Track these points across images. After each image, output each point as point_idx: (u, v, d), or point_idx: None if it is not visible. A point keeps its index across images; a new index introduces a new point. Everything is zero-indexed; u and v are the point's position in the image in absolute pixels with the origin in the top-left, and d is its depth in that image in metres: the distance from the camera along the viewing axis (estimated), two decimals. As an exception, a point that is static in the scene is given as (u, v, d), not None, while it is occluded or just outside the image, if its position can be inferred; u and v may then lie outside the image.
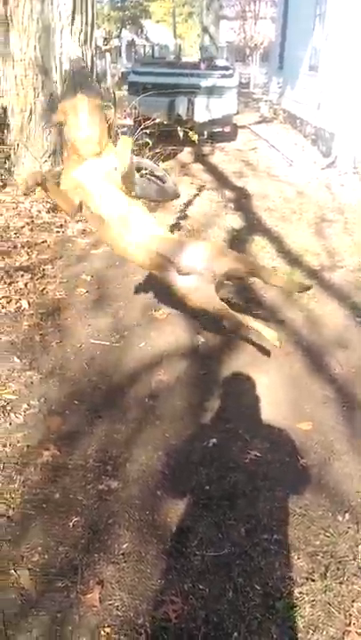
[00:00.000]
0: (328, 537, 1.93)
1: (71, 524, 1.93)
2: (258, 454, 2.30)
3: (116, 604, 1.68)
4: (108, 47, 12.90)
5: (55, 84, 4.92)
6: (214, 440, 2.37)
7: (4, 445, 2.26)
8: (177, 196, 5.91)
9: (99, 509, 1.99)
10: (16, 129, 5.06)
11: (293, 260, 4.42)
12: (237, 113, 10.06)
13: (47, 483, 2.09)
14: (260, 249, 4.61)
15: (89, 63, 5.04)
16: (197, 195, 6.02)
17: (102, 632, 1.60)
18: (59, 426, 2.40)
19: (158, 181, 5.92)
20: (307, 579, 1.78)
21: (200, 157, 8.16)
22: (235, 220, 5.38)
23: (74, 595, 1.70)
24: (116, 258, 4.21)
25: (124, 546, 1.87)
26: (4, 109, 5.04)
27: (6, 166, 5.14)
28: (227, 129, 9.42)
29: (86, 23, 4.90)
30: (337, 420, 2.56)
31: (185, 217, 5.37)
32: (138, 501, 2.04)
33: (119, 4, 25.37)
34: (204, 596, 1.71)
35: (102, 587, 1.73)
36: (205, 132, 8.80)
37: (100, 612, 1.66)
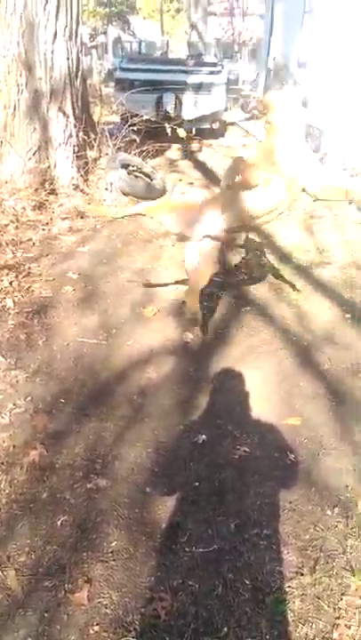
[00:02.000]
0: (317, 531, 1.93)
1: (59, 523, 1.91)
2: (247, 450, 2.30)
3: (104, 603, 1.67)
4: (94, 43, 12.82)
5: (40, 81, 4.87)
6: (204, 436, 2.36)
7: (-10, 445, 2.23)
8: (165, 192, 5.92)
9: (87, 508, 1.98)
10: (0, 126, 5.00)
11: (283, 256, 4.42)
12: (226, 109, 10.05)
13: (34, 482, 2.07)
14: (250, 246, 4.60)
15: (74, 60, 5.00)
16: (186, 192, 5.99)
17: (91, 630, 1.59)
18: (45, 425, 2.37)
19: (146, 178, 5.92)
20: (296, 573, 1.78)
21: (188, 154, 8.13)
22: (223, 217, 5.36)
23: (62, 594, 1.69)
24: (104, 256, 4.19)
25: (113, 544, 1.86)
26: (-11, 106, 4.97)
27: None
28: (215, 125, 9.39)
29: (71, 19, 4.85)
30: (326, 415, 2.57)
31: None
32: (127, 499, 2.03)
33: (105, 0, 25.17)
34: (194, 591, 1.71)
35: (91, 585, 1.72)
36: (194, 129, 8.77)
37: (88, 610, 1.65)
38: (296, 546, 1.87)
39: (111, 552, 1.83)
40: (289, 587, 1.73)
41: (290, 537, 1.91)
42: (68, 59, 4.90)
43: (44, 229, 4.54)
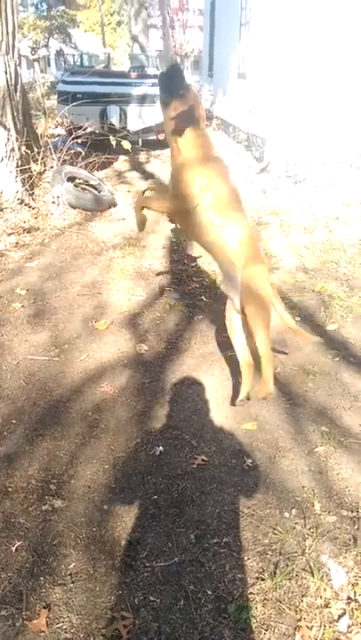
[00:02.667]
0: (276, 534, 1.95)
1: (14, 548, 1.85)
2: (205, 459, 2.30)
3: (64, 627, 1.62)
4: (36, 56, 12.68)
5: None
6: (161, 448, 2.35)
7: None
8: (114, 204, 5.90)
9: (43, 531, 1.92)
10: None
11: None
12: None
13: (-14, 508, 2.00)
14: (200, 253, 4.64)
15: (12, 73, 4.92)
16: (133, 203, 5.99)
17: (51, 658, 1.54)
18: (-3, 448, 2.30)
19: (94, 190, 5.90)
20: (257, 578, 1.79)
21: (136, 165, 8.16)
22: (173, 226, 5.39)
23: (19, 622, 1.63)
24: (53, 270, 4.13)
25: (71, 566, 1.81)
26: None
27: None
28: (161, 136, 9.47)
29: (7, 33, 4.78)
30: (281, 417, 2.61)
31: (124, 225, 5.34)
32: (84, 518, 1.99)
33: (45, 14, 25.03)
34: (156, 607, 1.68)
35: (49, 610, 1.67)
36: (140, 140, 8.82)
37: (47, 636, 1.59)
38: (256, 551, 1.88)
39: (70, 574, 1.78)
40: (251, 593, 1.73)
41: (250, 542, 1.91)
42: (6, 72, 4.82)
43: (-11, 246, 4.44)
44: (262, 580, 1.77)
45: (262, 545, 1.91)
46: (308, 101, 7.03)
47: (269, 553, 1.88)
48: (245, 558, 1.85)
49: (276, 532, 1.96)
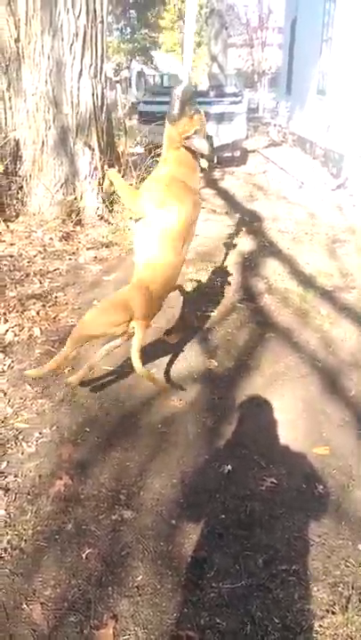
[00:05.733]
0: (348, 567, 1.87)
1: (84, 556, 1.89)
2: (274, 481, 2.25)
3: (130, 640, 1.64)
4: (118, 78, 13.24)
5: (67, 117, 5.05)
6: (229, 467, 2.33)
7: (16, 476, 2.24)
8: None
9: (112, 540, 1.96)
10: (28, 160, 5.18)
11: (306, 281, 4.40)
12: (247, 137, 10.19)
13: (59, 513, 2.06)
14: (273, 271, 4.61)
15: (99, 95, 5.17)
16: (208, 219, 6.06)
17: (116, 669, 1.56)
18: (70, 455, 2.38)
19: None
20: (327, 611, 1.72)
21: (211, 182, 8.25)
22: (247, 243, 5.40)
23: (87, 630, 1.66)
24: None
25: (139, 578, 1.83)
26: (17, 142, 5.17)
27: (19, 197, 5.24)
28: (236, 153, 9.54)
29: (96, 57, 5.05)
30: (355, 443, 2.50)
31: (197, 241, 5.40)
32: (152, 531, 2.00)
33: (128, 37, 26.10)
34: (221, 630, 1.66)
35: (116, 621, 1.69)
36: (216, 158, 8.92)
37: (113, 648, 1.61)
38: (327, 582, 1.81)
39: (137, 587, 1.80)
40: (320, 626, 1.67)
41: (320, 573, 1.84)
42: (93, 95, 5.08)
43: (70, 259, 4.64)
44: (333, 613, 1.70)
45: (333, 577, 1.83)
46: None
47: (341, 586, 1.80)
48: (315, 589, 1.78)
49: (348, 564, 1.87)
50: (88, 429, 2.56)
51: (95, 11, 4.91)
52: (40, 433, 2.51)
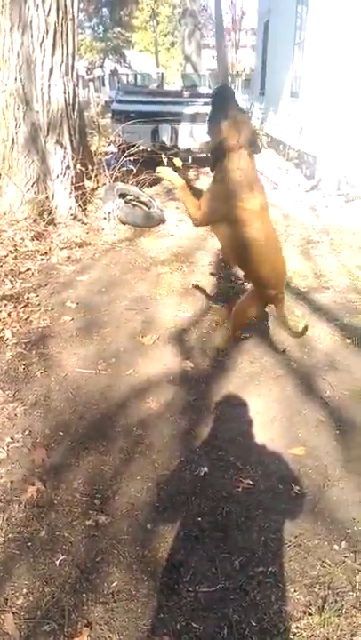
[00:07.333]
0: (325, 567, 1.87)
1: (58, 562, 1.85)
2: (250, 482, 2.24)
3: (105, 648, 1.60)
4: (91, 76, 13.13)
5: (37, 114, 4.96)
6: (205, 469, 2.31)
7: (-12, 482, 2.18)
8: (163, 221, 5.97)
9: (86, 546, 1.92)
10: (-1, 159, 5.07)
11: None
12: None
13: (32, 520, 2.01)
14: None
15: (71, 93, 5.10)
16: (183, 220, 6.04)
17: None
18: (44, 459, 2.32)
19: (144, 207, 5.99)
20: (304, 612, 1.71)
21: (186, 183, 8.23)
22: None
23: (61, 639, 1.62)
24: (102, 284, 4.20)
25: (114, 584, 1.79)
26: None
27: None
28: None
29: (67, 54, 4.97)
30: (330, 443, 2.52)
31: (173, 241, 5.39)
32: (127, 536, 1.97)
33: (101, 35, 25.87)
34: (198, 634, 1.64)
35: (91, 629, 1.65)
36: (190, 158, 8.91)
37: (88, 657, 1.58)
38: (303, 583, 1.81)
39: (112, 593, 1.76)
40: (297, 627, 1.66)
41: (297, 574, 1.84)
42: (64, 93, 5.00)
43: (42, 259, 4.56)
44: (310, 614, 1.70)
45: (310, 577, 1.83)
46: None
47: (317, 586, 1.80)
48: (292, 590, 1.78)
49: (324, 564, 1.88)
50: (62, 433, 2.51)
51: (66, 7, 4.84)
52: (12, 438, 2.44)
